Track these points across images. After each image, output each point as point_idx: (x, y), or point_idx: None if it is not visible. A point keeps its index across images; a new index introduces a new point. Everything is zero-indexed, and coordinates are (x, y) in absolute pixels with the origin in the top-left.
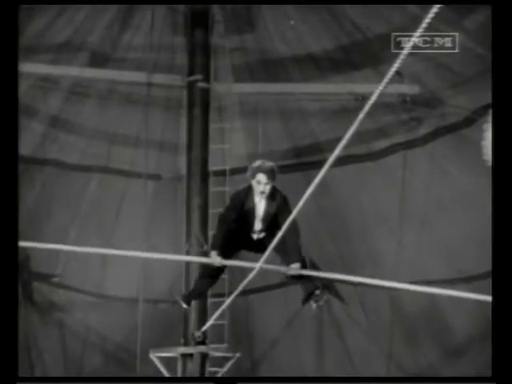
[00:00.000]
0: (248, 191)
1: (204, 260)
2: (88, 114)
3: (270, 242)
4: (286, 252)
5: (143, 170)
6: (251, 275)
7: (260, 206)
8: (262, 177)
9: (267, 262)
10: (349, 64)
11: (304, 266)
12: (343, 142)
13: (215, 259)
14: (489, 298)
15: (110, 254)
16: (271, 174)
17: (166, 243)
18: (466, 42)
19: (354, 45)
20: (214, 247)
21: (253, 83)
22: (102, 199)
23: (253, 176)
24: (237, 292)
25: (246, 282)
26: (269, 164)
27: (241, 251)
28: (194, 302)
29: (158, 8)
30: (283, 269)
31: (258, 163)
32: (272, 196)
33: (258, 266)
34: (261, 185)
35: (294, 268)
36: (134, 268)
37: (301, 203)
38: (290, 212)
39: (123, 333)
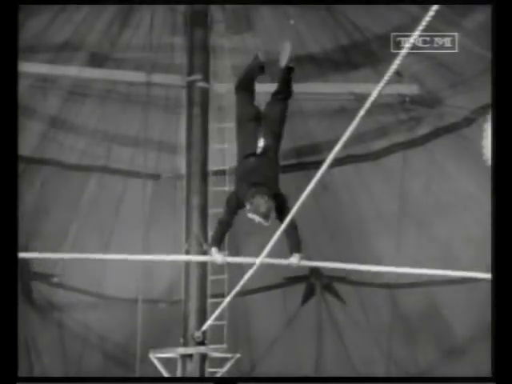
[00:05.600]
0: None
1: (206, 258)
2: (87, 114)
3: None
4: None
5: (142, 170)
6: (252, 270)
7: None
8: (255, 217)
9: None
10: (348, 64)
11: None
12: (343, 139)
13: (217, 257)
14: (488, 276)
15: (110, 254)
16: (265, 219)
17: (166, 243)
18: (465, 42)
19: (353, 45)
20: (214, 243)
21: None
22: (101, 199)
23: (248, 211)
24: (237, 288)
25: (247, 277)
26: (264, 209)
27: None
28: (193, 302)
29: (158, 8)
30: (284, 261)
31: (256, 202)
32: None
33: (258, 261)
34: (254, 220)
35: (294, 259)
36: (133, 268)
37: (300, 201)
38: (288, 210)
39: (123, 333)
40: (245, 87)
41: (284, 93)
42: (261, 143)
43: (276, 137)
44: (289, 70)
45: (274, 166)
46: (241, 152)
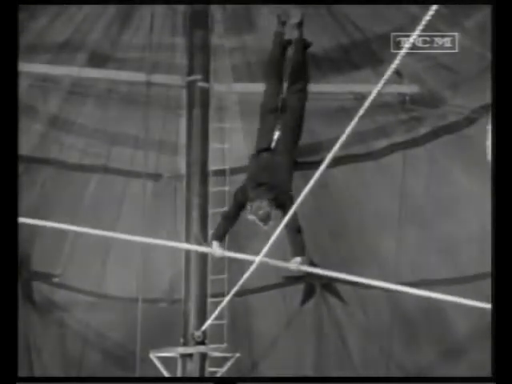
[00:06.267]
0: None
1: (206, 250)
2: (88, 114)
3: None
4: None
5: (143, 170)
6: (252, 268)
7: None
8: (255, 219)
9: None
10: (349, 64)
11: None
12: (343, 138)
13: (216, 250)
14: (488, 306)
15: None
16: (263, 223)
17: None
18: (465, 42)
19: (353, 45)
20: (215, 238)
21: (253, 83)
22: (101, 199)
23: (249, 212)
24: (237, 287)
25: (246, 275)
26: (262, 213)
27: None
28: (193, 302)
29: (158, 8)
30: (284, 263)
31: (256, 205)
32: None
33: (257, 259)
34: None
35: (295, 262)
36: (133, 267)
37: (299, 201)
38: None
39: (123, 332)
40: (273, 70)
41: (298, 65)
42: (275, 136)
43: (292, 130)
44: (301, 42)
45: (286, 163)
46: (256, 145)
